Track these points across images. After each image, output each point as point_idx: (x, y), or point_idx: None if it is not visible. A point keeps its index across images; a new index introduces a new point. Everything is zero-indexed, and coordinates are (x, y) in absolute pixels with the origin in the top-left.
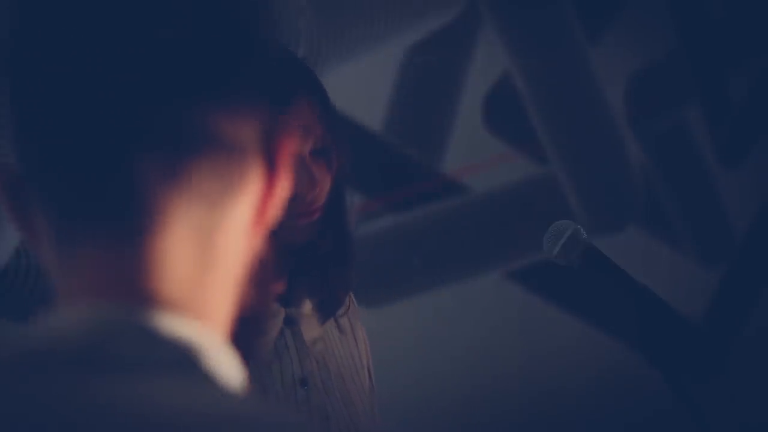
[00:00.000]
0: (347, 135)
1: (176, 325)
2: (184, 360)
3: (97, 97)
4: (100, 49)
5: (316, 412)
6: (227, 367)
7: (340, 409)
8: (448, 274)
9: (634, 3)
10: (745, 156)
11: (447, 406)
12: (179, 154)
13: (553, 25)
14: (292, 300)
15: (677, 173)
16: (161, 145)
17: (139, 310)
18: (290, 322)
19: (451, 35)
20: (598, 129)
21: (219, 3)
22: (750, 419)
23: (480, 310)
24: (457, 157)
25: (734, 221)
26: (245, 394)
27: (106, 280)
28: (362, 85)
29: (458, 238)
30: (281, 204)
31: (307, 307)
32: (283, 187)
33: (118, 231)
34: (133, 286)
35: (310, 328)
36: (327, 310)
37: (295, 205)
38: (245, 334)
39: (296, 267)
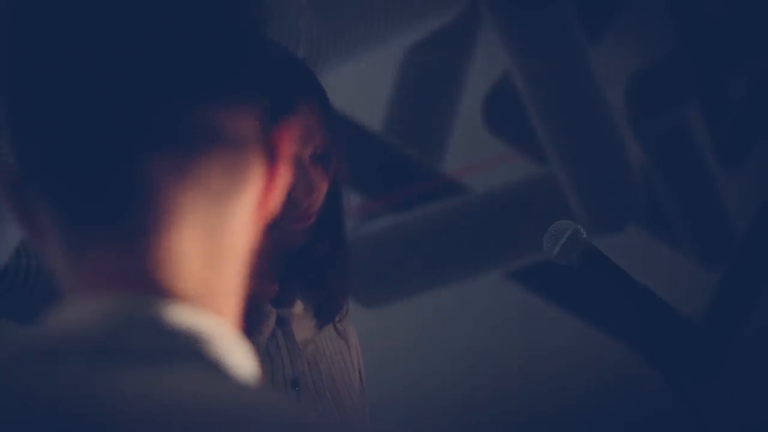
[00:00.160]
0: (347, 136)
1: (189, 316)
2: (198, 351)
3: (98, 98)
4: (99, 49)
5: None
6: (240, 357)
7: (331, 410)
8: (448, 274)
9: (634, 3)
10: (745, 156)
11: (447, 406)
12: (184, 153)
13: (553, 25)
14: (284, 301)
15: (677, 173)
16: (165, 144)
17: (151, 302)
18: (281, 322)
19: (451, 35)
20: (598, 129)
21: (219, 2)
22: (750, 419)
23: (480, 310)
24: (457, 157)
25: (734, 221)
26: (258, 385)
27: (116, 276)
28: (362, 85)
29: (458, 238)
30: (281, 197)
31: (299, 307)
32: (283, 181)
33: (126, 231)
34: (144, 281)
35: (302, 329)
36: (326, 315)
37: (291, 209)
38: (245, 325)
39: (289, 269)
